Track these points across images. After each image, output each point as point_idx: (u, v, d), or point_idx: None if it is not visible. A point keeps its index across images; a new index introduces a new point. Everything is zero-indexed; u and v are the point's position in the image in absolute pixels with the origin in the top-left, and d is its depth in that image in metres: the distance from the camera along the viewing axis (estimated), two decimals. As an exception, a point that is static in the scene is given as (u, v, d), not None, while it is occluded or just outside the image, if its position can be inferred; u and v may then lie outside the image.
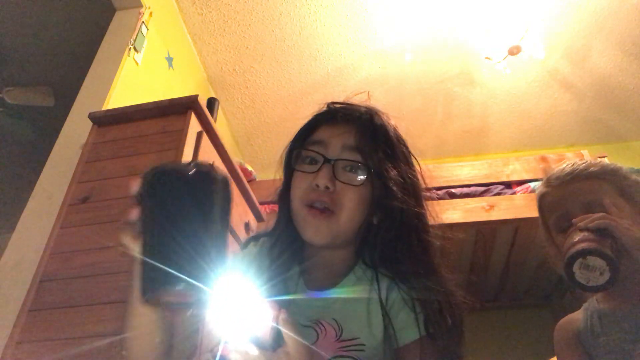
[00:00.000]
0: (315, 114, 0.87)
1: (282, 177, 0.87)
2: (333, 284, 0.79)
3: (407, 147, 0.86)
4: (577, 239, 0.84)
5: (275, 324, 0.58)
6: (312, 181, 0.77)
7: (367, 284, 0.77)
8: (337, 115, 0.84)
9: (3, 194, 3.54)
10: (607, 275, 0.79)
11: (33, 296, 1.20)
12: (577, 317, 1.05)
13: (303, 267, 0.82)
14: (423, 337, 0.72)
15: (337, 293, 0.77)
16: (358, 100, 0.90)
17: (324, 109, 0.87)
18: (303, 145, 0.83)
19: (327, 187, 0.76)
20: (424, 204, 0.84)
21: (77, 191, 1.40)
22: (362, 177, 0.77)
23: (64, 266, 1.24)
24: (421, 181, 0.85)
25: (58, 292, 1.19)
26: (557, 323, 1.09)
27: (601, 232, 0.83)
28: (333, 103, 0.88)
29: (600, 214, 0.86)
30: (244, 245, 0.90)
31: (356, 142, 0.79)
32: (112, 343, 1.06)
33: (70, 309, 1.16)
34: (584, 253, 0.80)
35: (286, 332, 0.59)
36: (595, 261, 0.79)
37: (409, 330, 0.73)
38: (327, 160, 0.77)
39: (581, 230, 0.85)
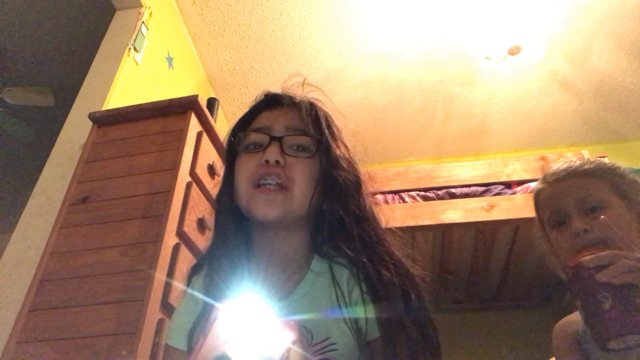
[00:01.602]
0: (253, 103, 0.88)
1: (222, 175, 0.86)
2: (292, 286, 0.75)
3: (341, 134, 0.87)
4: (607, 308, 0.72)
5: (292, 347, 0.55)
6: (260, 158, 0.76)
7: (326, 279, 0.75)
8: (278, 100, 0.85)
9: (3, 194, 3.54)
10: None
11: (33, 296, 1.20)
12: (576, 318, 1.05)
13: (258, 269, 0.78)
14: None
15: (299, 296, 0.74)
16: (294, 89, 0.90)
17: (262, 97, 0.88)
18: (246, 131, 0.82)
19: (277, 162, 0.75)
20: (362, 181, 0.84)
21: (77, 191, 1.40)
22: (310, 150, 0.78)
23: (64, 266, 1.24)
24: (357, 166, 0.85)
25: (58, 292, 1.19)
26: (556, 323, 1.09)
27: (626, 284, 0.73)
28: (270, 92, 0.88)
29: (621, 263, 0.73)
30: (188, 282, 0.84)
31: (299, 122, 0.80)
32: (112, 343, 1.07)
33: (70, 309, 1.16)
34: (622, 334, 0.72)
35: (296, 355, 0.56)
36: (632, 338, 0.72)
37: (375, 323, 0.71)
38: (274, 138, 0.77)
39: (605, 288, 0.73)
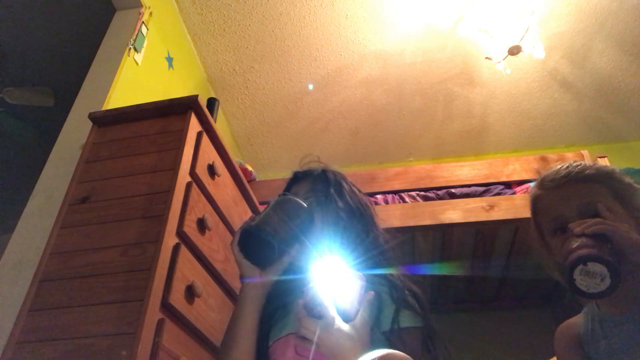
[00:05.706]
0: (287, 180, 1.24)
1: None
2: None
3: (355, 187, 1.21)
4: (575, 245, 0.82)
5: (361, 300, 0.84)
6: None
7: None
8: (299, 176, 1.22)
9: (3, 194, 3.54)
10: (607, 282, 0.77)
11: (33, 296, 1.20)
12: (578, 321, 1.05)
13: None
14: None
15: None
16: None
17: (292, 176, 1.23)
18: None
19: None
20: (373, 222, 1.16)
21: (77, 191, 1.40)
22: (316, 205, 1.11)
23: (64, 266, 1.24)
24: (372, 210, 1.18)
25: (58, 292, 1.19)
26: (557, 323, 1.09)
27: (599, 238, 0.81)
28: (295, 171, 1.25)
29: (597, 219, 0.84)
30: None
31: (311, 186, 1.17)
32: (112, 343, 1.07)
33: (70, 309, 1.16)
34: (584, 259, 0.78)
35: (364, 310, 0.85)
36: (595, 267, 0.77)
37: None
38: None
39: (578, 236, 0.83)
